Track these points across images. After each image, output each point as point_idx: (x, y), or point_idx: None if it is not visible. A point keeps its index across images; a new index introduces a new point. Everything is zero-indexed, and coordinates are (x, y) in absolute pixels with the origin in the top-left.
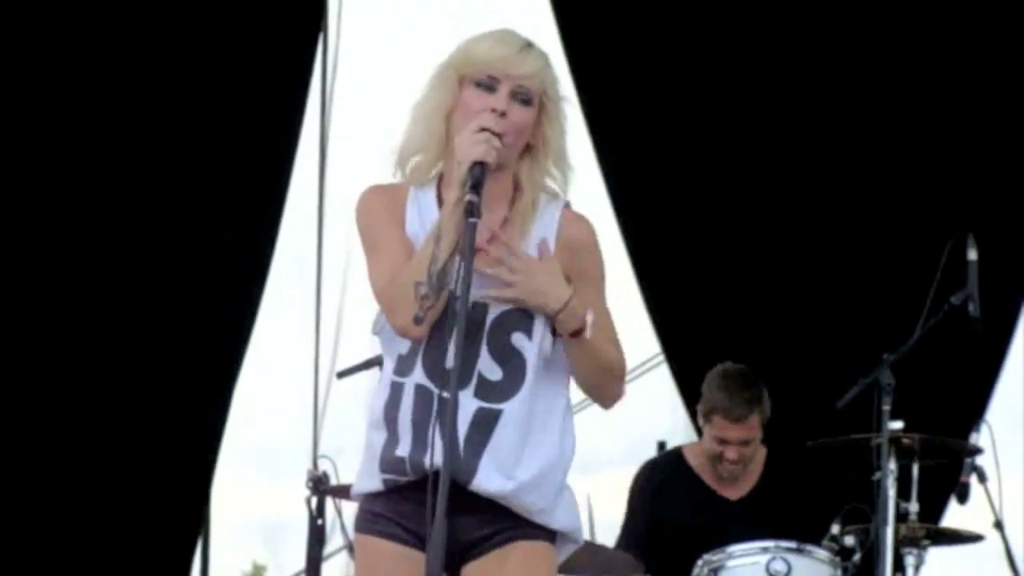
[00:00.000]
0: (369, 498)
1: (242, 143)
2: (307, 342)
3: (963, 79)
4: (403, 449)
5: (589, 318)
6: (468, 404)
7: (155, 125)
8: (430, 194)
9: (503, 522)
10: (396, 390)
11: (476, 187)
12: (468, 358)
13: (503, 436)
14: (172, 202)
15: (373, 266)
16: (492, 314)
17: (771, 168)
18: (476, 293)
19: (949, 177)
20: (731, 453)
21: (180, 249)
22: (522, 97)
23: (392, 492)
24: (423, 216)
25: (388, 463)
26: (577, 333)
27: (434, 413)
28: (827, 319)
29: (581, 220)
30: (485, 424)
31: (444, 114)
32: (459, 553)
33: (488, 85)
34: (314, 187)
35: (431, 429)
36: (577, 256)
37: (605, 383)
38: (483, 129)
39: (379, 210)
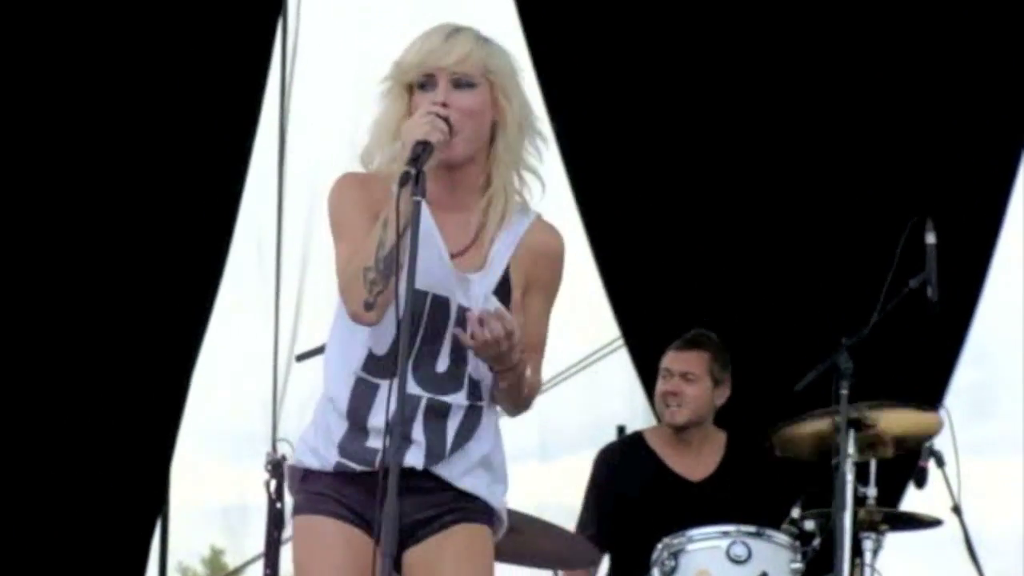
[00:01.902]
0: (311, 477)
1: (201, 126)
2: (266, 325)
3: (923, 64)
4: (376, 443)
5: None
6: (460, 406)
7: (114, 107)
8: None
9: (446, 505)
10: (368, 389)
11: (415, 162)
12: (458, 361)
13: (484, 435)
14: (131, 184)
15: (337, 252)
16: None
17: (731, 154)
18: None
19: (908, 160)
20: (671, 385)
21: (139, 233)
22: (463, 82)
23: (339, 474)
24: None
25: (352, 453)
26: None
27: (420, 414)
28: (786, 303)
29: (550, 229)
30: (475, 419)
31: (397, 129)
32: (404, 537)
33: (428, 84)
34: (274, 170)
35: (416, 429)
36: (537, 263)
37: (518, 406)
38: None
39: (351, 197)
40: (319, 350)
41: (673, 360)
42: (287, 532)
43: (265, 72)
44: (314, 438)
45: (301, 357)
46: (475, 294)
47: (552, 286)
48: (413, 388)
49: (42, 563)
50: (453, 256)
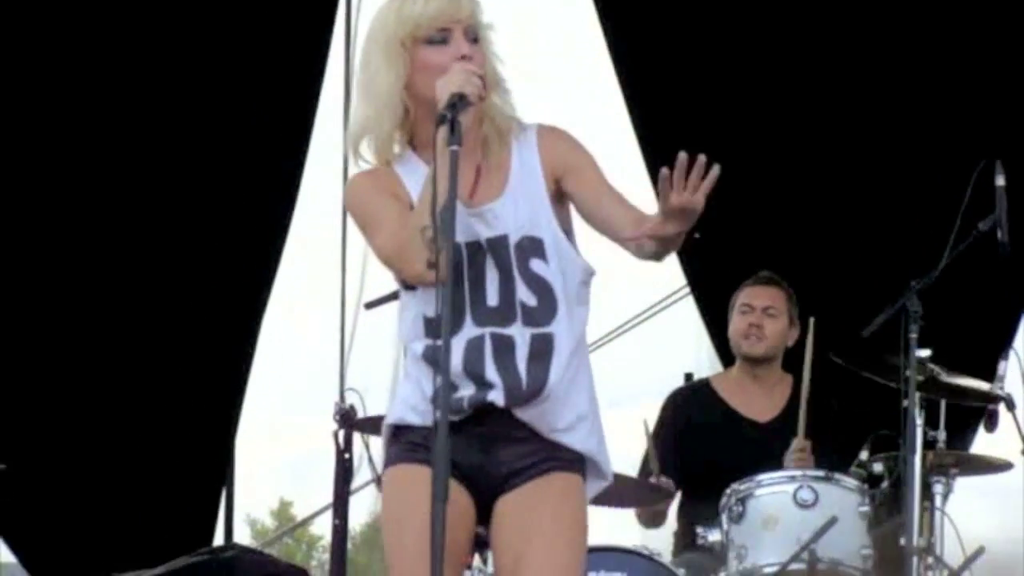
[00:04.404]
0: (404, 430)
1: (268, 80)
2: (333, 274)
3: (991, 3)
4: (463, 391)
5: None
6: (522, 335)
7: (183, 68)
8: (413, 158)
9: (540, 453)
10: (437, 348)
11: (452, 109)
12: (507, 293)
13: (562, 355)
14: (199, 139)
15: (376, 237)
16: (512, 243)
17: (798, 95)
18: (481, 232)
19: (977, 102)
20: (753, 318)
21: (208, 186)
22: (471, 35)
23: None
24: (420, 180)
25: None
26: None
27: (488, 352)
28: (854, 246)
29: (553, 128)
30: (544, 347)
31: (402, 87)
32: (497, 484)
33: (441, 39)
34: (340, 120)
35: (489, 368)
36: (565, 154)
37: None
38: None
39: (368, 188)
40: (389, 297)
41: (754, 295)
42: (355, 483)
43: (330, 27)
44: (412, 395)
45: (370, 305)
46: (503, 215)
47: (590, 159)
48: (474, 330)
49: (113, 517)
50: (469, 199)
